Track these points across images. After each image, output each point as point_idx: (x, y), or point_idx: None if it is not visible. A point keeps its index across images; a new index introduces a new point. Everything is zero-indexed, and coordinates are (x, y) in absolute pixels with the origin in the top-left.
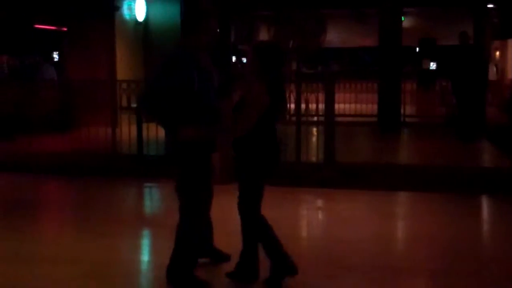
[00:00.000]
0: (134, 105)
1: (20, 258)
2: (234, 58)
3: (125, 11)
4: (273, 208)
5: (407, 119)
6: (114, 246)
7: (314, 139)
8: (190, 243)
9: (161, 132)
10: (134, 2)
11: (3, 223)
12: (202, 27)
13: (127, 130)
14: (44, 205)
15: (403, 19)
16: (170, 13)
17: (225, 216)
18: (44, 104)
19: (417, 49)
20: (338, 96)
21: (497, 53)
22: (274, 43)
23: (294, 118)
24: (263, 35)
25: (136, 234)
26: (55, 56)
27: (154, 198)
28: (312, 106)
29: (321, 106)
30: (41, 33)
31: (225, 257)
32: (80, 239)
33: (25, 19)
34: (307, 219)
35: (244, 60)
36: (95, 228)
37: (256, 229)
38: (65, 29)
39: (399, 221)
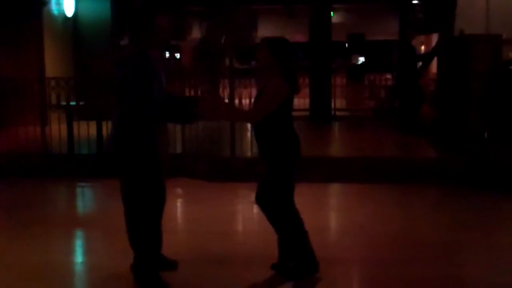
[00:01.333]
0: (63, 103)
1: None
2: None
3: (53, 6)
4: (209, 203)
5: (337, 113)
6: (49, 248)
7: (248, 134)
8: (143, 241)
9: (93, 131)
10: None
11: None
12: (150, 26)
13: (57, 128)
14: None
15: (332, 15)
16: (100, 8)
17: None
18: None
19: (346, 44)
20: None
21: (422, 47)
22: (283, 37)
23: None
24: (195, 31)
25: (69, 235)
26: None
27: (86, 198)
28: (246, 101)
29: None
30: None
31: (172, 265)
32: (13, 242)
33: None
34: (243, 214)
35: (178, 55)
36: (27, 230)
37: (292, 222)
38: None
39: (331, 212)
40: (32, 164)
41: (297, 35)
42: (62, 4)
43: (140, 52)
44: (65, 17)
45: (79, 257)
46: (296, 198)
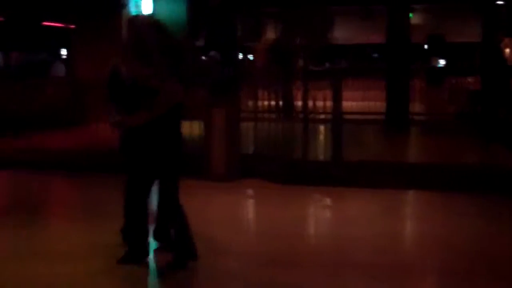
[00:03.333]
0: None
1: (31, 255)
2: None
3: (132, 8)
4: (282, 206)
5: (415, 117)
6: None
7: (321, 137)
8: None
9: None
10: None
11: (11, 220)
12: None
13: None
14: (52, 202)
15: (411, 15)
16: (176, 10)
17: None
18: (53, 101)
19: (426, 46)
20: (345, 93)
21: (507, 50)
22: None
23: (301, 116)
24: (270, 32)
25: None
26: (63, 53)
27: None
28: (319, 103)
29: (328, 103)
30: (49, 30)
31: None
32: (90, 236)
33: (33, 16)
34: (313, 218)
35: (251, 57)
36: (104, 224)
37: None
38: (73, 26)
39: (405, 220)
40: (112, 160)
41: (374, 36)
42: (140, 6)
43: None
44: None
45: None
46: (369, 203)
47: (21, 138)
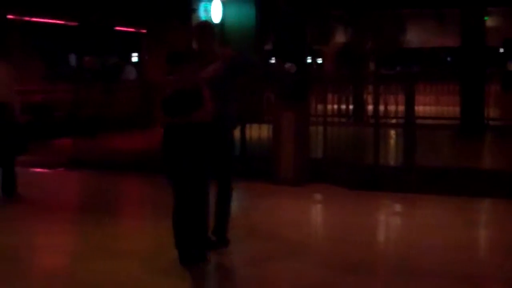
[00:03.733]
0: None
1: (104, 253)
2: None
3: (201, 13)
4: (352, 212)
5: (491, 122)
6: None
7: (392, 142)
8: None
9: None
10: (210, 4)
11: (88, 219)
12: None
13: None
14: (126, 201)
15: (486, 18)
16: (246, 15)
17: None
18: (125, 104)
19: (501, 49)
20: (418, 98)
21: None
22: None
23: (372, 120)
24: (340, 36)
25: None
26: (134, 57)
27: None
28: (391, 108)
29: (401, 108)
30: (121, 35)
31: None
32: (160, 235)
33: (106, 21)
34: (386, 225)
35: (320, 60)
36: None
37: None
38: (144, 31)
39: (480, 229)
40: None
41: (448, 40)
42: (210, 11)
43: None
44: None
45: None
46: (443, 211)
47: (96, 140)
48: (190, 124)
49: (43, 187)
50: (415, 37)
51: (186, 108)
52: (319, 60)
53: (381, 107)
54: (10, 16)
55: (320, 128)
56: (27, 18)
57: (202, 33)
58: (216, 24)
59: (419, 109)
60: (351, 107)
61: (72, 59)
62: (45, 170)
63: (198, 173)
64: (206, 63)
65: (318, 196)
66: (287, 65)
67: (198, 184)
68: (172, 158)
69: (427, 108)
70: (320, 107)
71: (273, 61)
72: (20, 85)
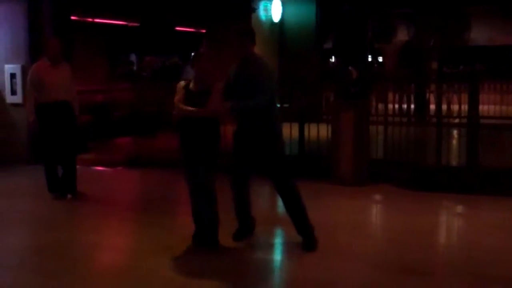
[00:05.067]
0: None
1: (164, 250)
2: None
3: (261, 12)
4: (412, 214)
5: None
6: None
7: (455, 142)
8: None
9: (295, 132)
10: (270, 3)
11: (148, 216)
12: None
13: None
14: (185, 199)
15: None
16: (305, 13)
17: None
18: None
19: None
20: (482, 97)
21: None
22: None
23: (434, 120)
24: (401, 34)
25: (269, 233)
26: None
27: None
28: (454, 107)
29: (464, 107)
30: (181, 35)
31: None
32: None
33: (167, 21)
34: (447, 227)
35: (380, 59)
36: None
37: None
38: (204, 30)
39: None
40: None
41: None
42: (270, 10)
43: None
44: (272, 22)
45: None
46: (507, 213)
47: (156, 139)
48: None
49: (102, 185)
50: (479, 35)
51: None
52: (380, 59)
53: (444, 107)
54: (73, 17)
55: (381, 128)
56: (90, 19)
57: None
58: (276, 23)
59: (483, 108)
60: (412, 106)
61: (133, 59)
62: (105, 168)
63: (204, 163)
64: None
65: (377, 197)
66: (350, 67)
67: (203, 173)
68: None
69: (491, 107)
70: (380, 106)
71: (333, 60)
72: (83, 85)
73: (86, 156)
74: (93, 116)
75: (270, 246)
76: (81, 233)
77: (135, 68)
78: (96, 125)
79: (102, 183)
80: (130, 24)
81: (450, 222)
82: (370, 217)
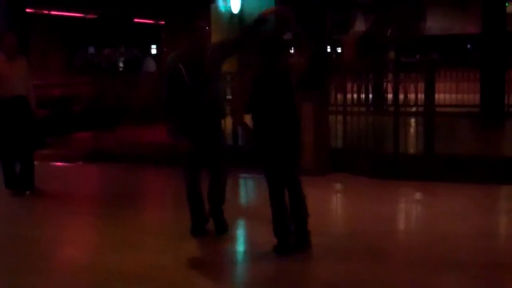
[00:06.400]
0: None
1: (125, 246)
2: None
3: (220, 3)
4: (372, 201)
5: (511, 109)
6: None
7: (412, 130)
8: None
9: None
10: None
11: (109, 212)
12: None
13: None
14: (145, 194)
15: (507, 4)
16: (265, 5)
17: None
18: (144, 96)
19: None
20: (438, 85)
21: None
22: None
23: (392, 109)
24: (359, 24)
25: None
26: (153, 49)
27: (249, 190)
28: (411, 96)
29: (420, 96)
30: (140, 27)
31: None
32: (179, 227)
33: (125, 13)
34: (407, 213)
35: (339, 50)
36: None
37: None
38: (163, 22)
39: (503, 216)
40: None
41: (469, 27)
42: (229, 1)
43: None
44: (232, 14)
45: (240, 246)
46: (464, 199)
47: (115, 133)
48: None
49: (61, 181)
50: (435, 24)
51: None
52: (339, 50)
53: (401, 96)
54: (29, 10)
55: (340, 118)
56: (46, 12)
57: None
58: (235, 15)
59: (439, 96)
60: (370, 96)
61: (91, 51)
62: (63, 164)
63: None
64: None
65: (338, 186)
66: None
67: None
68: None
69: (447, 95)
70: (340, 96)
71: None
72: (40, 79)
73: (45, 151)
74: (51, 110)
75: (235, 239)
76: (39, 229)
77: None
78: (55, 119)
79: (60, 179)
80: (88, 16)
81: (409, 209)
82: (330, 206)
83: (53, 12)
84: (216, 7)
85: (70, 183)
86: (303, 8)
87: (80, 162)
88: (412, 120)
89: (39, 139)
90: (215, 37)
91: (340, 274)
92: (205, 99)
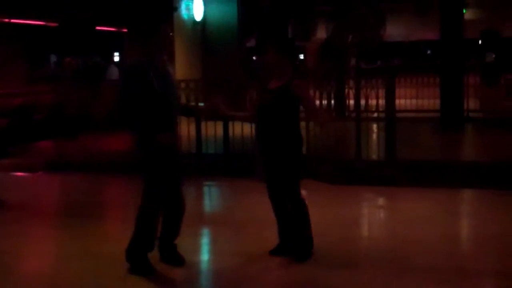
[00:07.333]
0: (192, 103)
1: (87, 255)
2: None
3: (183, 11)
4: (334, 206)
5: (470, 114)
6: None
7: (374, 136)
8: (145, 228)
9: (219, 131)
10: (192, 2)
11: (70, 222)
12: (158, 32)
13: (186, 129)
14: (108, 203)
15: (464, 11)
16: (227, 13)
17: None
18: (107, 104)
19: (480, 42)
20: (398, 91)
21: None
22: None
23: (353, 115)
24: (321, 31)
25: (196, 233)
26: (116, 57)
27: (213, 197)
28: (372, 102)
29: (381, 102)
30: (102, 34)
31: (179, 261)
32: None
33: (87, 21)
34: (370, 219)
35: (302, 56)
36: None
37: None
38: (125, 30)
39: (463, 220)
40: None
41: (428, 33)
42: (192, 9)
43: (144, 58)
44: (194, 22)
45: (204, 255)
46: (426, 203)
47: (77, 141)
48: None
49: (22, 191)
50: (395, 31)
51: None
52: (301, 56)
53: (362, 102)
54: None
55: (302, 124)
56: (6, 20)
57: None
58: (198, 22)
59: (400, 102)
60: (333, 102)
61: (53, 60)
62: (24, 174)
63: None
64: None
65: (302, 193)
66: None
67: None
68: None
69: (408, 101)
70: None
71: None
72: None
73: (5, 161)
74: (12, 119)
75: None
76: (0, 241)
77: (55, 69)
78: (16, 129)
79: (22, 189)
80: (49, 24)
81: (372, 214)
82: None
83: (13, 20)
84: (179, 15)
85: (31, 194)
86: (265, 16)
87: (41, 172)
88: (374, 126)
89: (0, 149)
90: (178, 45)
91: (297, 280)
92: (174, 105)
